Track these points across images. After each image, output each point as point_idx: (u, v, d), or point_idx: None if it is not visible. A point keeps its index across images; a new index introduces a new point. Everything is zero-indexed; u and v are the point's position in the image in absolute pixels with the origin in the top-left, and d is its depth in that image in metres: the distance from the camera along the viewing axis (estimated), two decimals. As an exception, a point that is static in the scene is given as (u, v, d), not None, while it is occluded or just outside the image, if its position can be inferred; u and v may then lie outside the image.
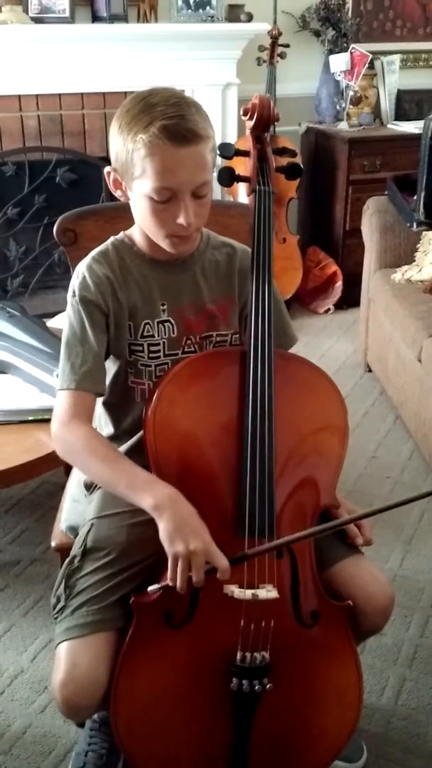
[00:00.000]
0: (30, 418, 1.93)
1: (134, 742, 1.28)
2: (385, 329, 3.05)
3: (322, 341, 3.70)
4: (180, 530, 1.19)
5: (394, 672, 1.90)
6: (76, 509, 1.53)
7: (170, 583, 1.19)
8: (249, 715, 1.27)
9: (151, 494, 1.23)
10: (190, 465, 1.29)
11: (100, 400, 1.48)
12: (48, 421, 1.94)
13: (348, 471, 2.65)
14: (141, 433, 1.34)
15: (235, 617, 1.23)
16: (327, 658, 1.33)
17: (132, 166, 1.29)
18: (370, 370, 3.35)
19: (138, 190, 1.31)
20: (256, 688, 1.25)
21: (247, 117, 1.43)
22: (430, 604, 2.11)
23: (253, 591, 1.22)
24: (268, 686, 1.25)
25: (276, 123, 1.45)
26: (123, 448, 1.45)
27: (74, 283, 1.40)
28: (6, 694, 1.84)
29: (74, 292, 1.39)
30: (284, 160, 1.44)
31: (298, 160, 1.49)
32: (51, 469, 1.90)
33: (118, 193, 1.38)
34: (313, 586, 1.31)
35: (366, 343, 3.33)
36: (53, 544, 1.59)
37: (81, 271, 1.41)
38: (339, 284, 3.97)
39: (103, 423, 1.50)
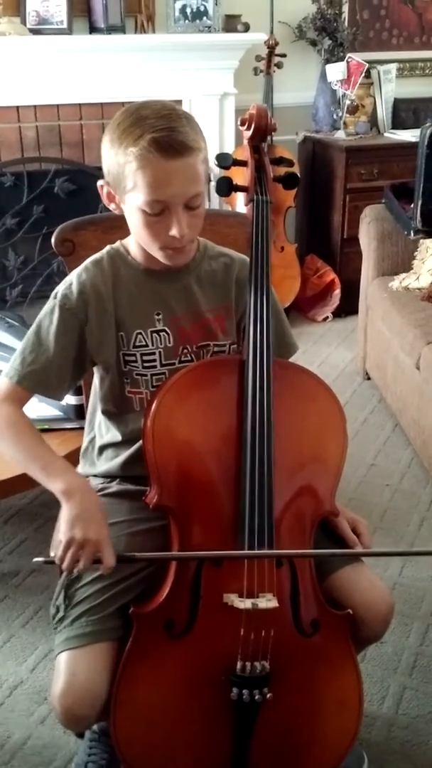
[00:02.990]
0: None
1: (134, 753, 1.27)
2: (384, 337, 3.05)
3: (321, 349, 3.71)
4: (82, 518, 1.24)
5: (395, 680, 1.89)
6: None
7: (57, 561, 1.23)
8: (249, 725, 1.27)
9: (63, 479, 1.29)
10: (189, 474, 1.29)
11: (99, 409, 1.49)
12: (47, 431, 1.97)
13: (347, 478, 2.65)
14: (141, 441, 1.34)
15: (234, 627, 1.23)
16: (327, 667, 1.32)
17: (124, 179, 1.29)
18: (368, 378, 3.35)
19: (131, 204, 1.32)
20: (257, 697, 1.24)
21: (245, 127, 1.43)
22: (430, 612, 2.10)
23: (252, 600, 1.22)
24: (268, 695, 1.25)
25: (273, 132, 1.46)
26: (124, 456, 1.46)
27: (60, 286, 1.42)
28: (6, 705, 1.83)
29: (56, 295, 1.41)
30: (282, 170, 1.45)
31: (296, 169, 1.50)
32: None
33: (111, 207, 1.39)
34: (312, 594, 1.30)
35: (364, 350, 3.34)
36: (52, 554, 1.58)
37: (70, 277, 1.43)
38: (337, 292, 3.97)
39: (104, 431, 1.50)
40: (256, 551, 1.24)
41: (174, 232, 1.30)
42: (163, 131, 1.24)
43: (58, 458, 1.35)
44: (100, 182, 1.38)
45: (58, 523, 1.27)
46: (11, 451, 1.37)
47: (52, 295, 1.42)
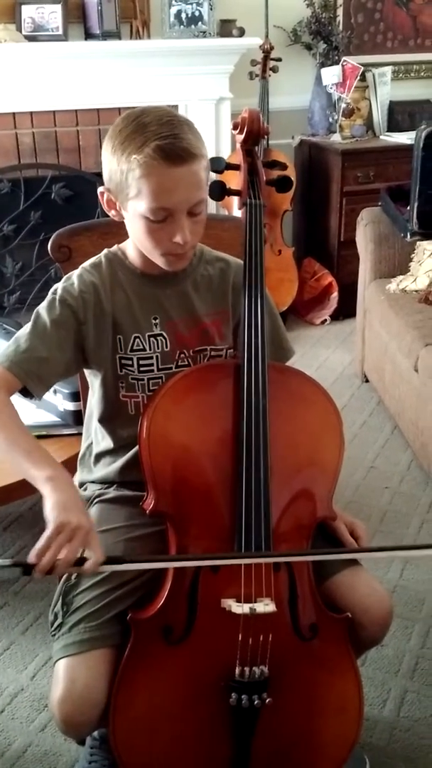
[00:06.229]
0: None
1: (133, 759, 1.27)
2: (382, 339, 3.05)
3: (319, 352, 3.71)
4: (73, 505, 1.19)
5: (396, 684, 1.89)
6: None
7: (34, 559, 1.15)
8: (249, 730, 1.27)
9: (49, 466, 1.24)
10: (185, 479, 1.28)
11: (95, 416, 1.49)
12: (45, 437, 1.96)
13: (346, 481, 2.64)
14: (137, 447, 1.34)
15: (233, 632, 1.23)
16: (326, 671, 1.32)
17: (127, 186, 1.29)
18: (367, 381, 3.35)
19: (133, 210, 1.32)
20: (256, 702, 1.24)
21: (237, 131, 1.43)
22: (431, 615, 2.10)
23: (250, 605, 1.22)
24: (267, 701, 1.25)
25: (267, 136, 1.46)
26: (121, 462, 1.45)
27: (60, 283, 1.42)
28: (6, 713, 1.82)
29: (56, 290, 1.40)
30: (275, 173, 1.45)
31: (290, 172, 1.50)
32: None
33: (112, 213, 1.39)
34: (311, 598, 1.30)
35: (362, 353, 3.34)
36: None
37: (71, 275, 1.42)
38: (335, 295, 3.98)
39: (99, 438, 1.50)
40: (244, 554, 1.24)
41: (178, 239, 1.30)
42: (167, 138, 1.24)
43: (43, 448, 1.30)
44: (100, 189, 1.38)
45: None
46: None
47: (51, 290, 1.41)
